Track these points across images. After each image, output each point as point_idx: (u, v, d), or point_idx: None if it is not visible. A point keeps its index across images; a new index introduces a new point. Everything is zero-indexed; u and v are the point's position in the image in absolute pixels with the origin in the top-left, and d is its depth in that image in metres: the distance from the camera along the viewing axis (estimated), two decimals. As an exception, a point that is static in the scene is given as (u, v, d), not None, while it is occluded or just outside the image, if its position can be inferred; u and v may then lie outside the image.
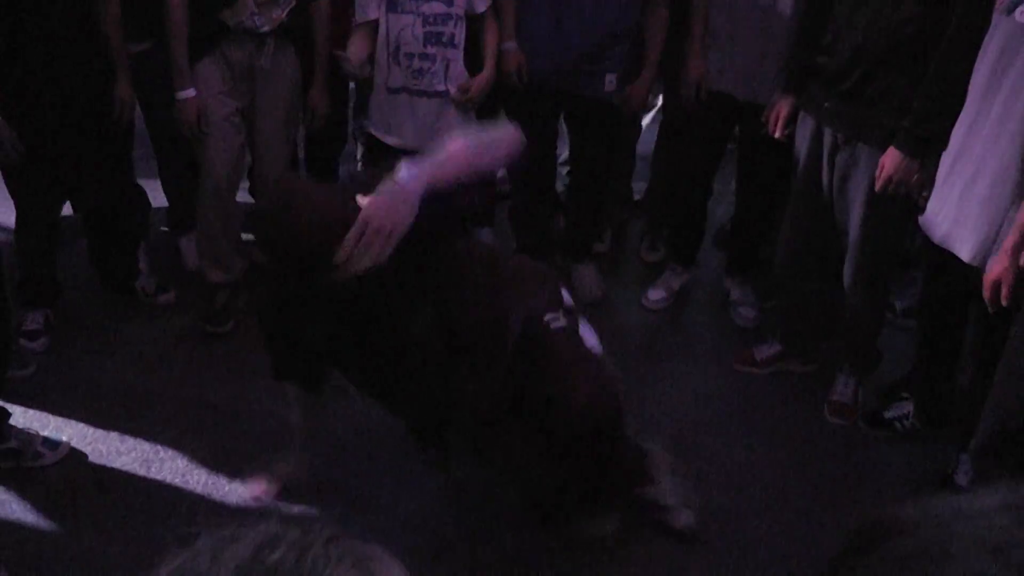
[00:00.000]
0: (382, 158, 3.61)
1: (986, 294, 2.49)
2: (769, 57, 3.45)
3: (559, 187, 4.48)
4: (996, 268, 2.47)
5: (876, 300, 3.34)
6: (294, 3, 3.42)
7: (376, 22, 3.54)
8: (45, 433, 3.12)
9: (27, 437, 3.06)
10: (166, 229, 4.24)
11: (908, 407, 3.30)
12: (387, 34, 3.54)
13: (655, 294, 4.09)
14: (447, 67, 3.57)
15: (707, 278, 4.24)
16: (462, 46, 3.59)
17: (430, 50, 3.54)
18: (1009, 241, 2.44)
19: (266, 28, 3.40)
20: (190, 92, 3.45)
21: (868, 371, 3.48)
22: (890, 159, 2.88)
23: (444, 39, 3.54)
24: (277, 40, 3.46)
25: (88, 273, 3.96)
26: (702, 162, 3.88)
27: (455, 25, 3.54)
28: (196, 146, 3.58)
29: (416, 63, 3.55)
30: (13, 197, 3.53)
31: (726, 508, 3.00)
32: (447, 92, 3.60)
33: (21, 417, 3.20)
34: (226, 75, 3.47)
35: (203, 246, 3.75)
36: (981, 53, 2.60)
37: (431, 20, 3.51)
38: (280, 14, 3.39)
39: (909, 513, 0.56)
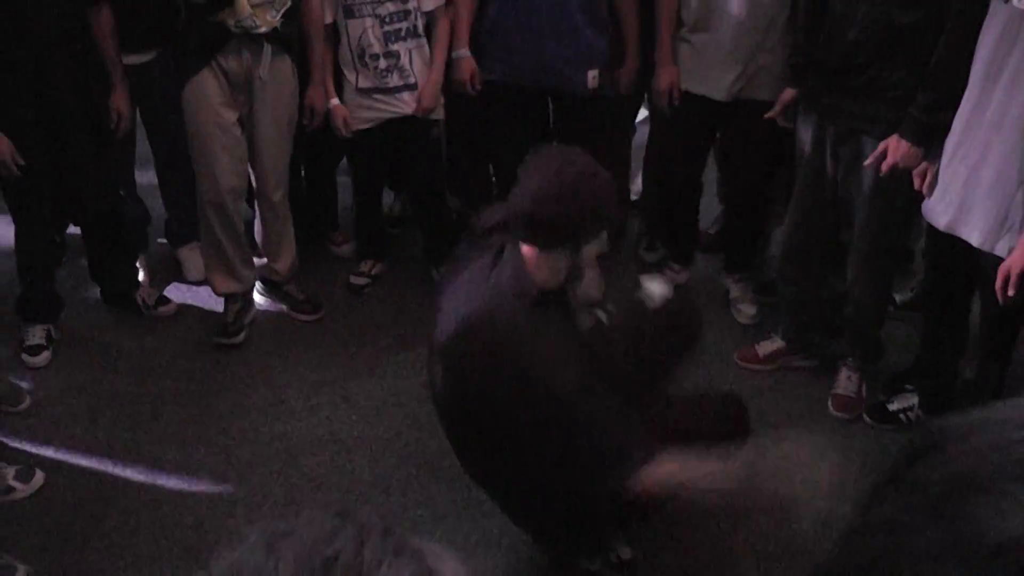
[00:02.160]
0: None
1: (998, 283, 2.50)
2: (754, 54, 3.42)
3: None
4: (1010, 259, 2.48)
5: (880, 292, 3.34)
6: (289, 4, 3.38)
7: (330, 26, 3.60)
8: (48, 452, 3.10)
9: None
10: (164, 240, 4.23)
11: (913, 399, 3.29)
12: (348, 39, 3.61)
13: (656, 294, 4.07)
14: (411, 57, 3.65)
15: (707, 276, 4.23)
16: (423, 34, 3.66)
17: (392, 47, 3.61)
18: None
19: (263, 29, 3.36)
20: None
21: (872, 364, 3.47)
22: (894, 146, 2.88)
23: (404, 33, 3.62)
24: (274, 49, 3.42)
25: (90, 287, 3.94)
26: (687, 163, 3.85)
27: (415, 17, 3.62)
28: (197, 158, 3.53)
29: (382, 63, 3.63)
30: (12, 213, 3.52)
31: (733, 506, 2.99)
32: (416, 83, 3.68)
33: (25, 434, 3.21)
34: (224, 86, 3.44)
35: (209, 258, 3.72)
36: (979, 40, 2.61)
37: (387, 19, 3.58)
38: (275, 16, 3.35)
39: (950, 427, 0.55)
